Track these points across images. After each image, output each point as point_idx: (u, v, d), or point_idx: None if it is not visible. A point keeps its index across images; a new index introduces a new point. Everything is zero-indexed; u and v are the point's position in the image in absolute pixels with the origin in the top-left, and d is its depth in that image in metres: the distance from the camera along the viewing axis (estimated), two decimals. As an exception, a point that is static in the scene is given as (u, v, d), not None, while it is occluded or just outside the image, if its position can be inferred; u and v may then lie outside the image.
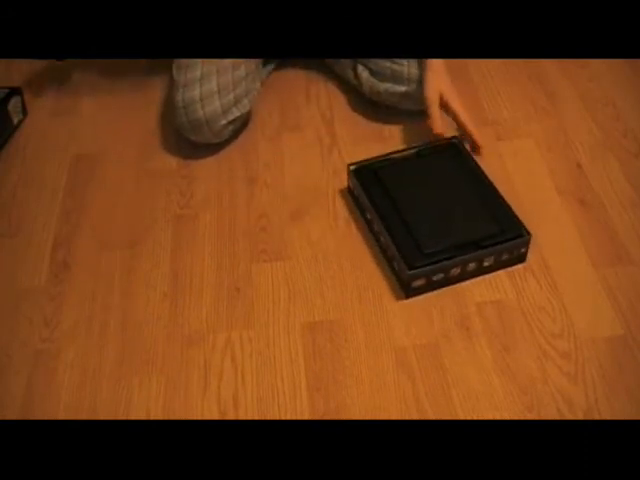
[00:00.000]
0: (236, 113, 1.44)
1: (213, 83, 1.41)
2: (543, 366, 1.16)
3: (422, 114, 1.42)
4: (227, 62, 1.42)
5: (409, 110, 1.51)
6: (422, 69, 1.43)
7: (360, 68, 1.52)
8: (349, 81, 1.58)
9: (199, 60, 1.41)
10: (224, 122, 1.43)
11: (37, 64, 1.69)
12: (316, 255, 1.31)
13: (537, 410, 1.11)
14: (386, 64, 1.47)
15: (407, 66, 1.46)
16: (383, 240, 1.29)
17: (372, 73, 1.51)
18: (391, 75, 1.48)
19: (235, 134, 1.50)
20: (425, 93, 1.41)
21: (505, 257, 1.27)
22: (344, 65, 1.57)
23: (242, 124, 1.51)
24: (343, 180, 1.42)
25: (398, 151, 1.41)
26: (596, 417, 1.09)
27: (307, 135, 1.52)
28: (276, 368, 1.17)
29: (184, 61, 1.42)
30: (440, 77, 1.42)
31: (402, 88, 1.47)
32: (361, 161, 1.39)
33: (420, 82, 1.45)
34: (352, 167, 1.38)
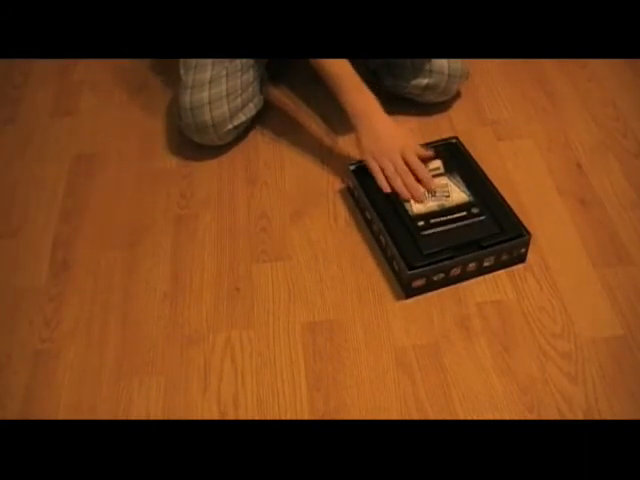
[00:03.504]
0: (242, 118, 1.44)
1: (222, 87, 1.39)
2: (543, 366, 1.16)
3: (434, 107, 1.40)
4: (237, 65, 1.40)
5: (428, 102, 1.52)
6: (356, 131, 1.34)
7: (377, 64, 1.51)
8: (364, 77, 1.56)
9: (209, 61, 1.39)
10: (230, 127, 1.43)
11: (38, 64, 1.69)
12: (316, 255, 1.31)
13: (537, 410, 1.11)
14: (406, 60, 1.46)
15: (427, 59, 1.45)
16: (383, 240, 1.29)
17: (391, 68, 1.49)
18: (412, 68, 1.46)
19: (238, 137, 1.50)
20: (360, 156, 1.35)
21: (505, 257, 1.27)
22: (356, 63, 1.55)
23: (245, 128, 1.50)
24: (343, 180, 1.42)
25: (398, 151, 1.41)
26: (596, 417, 1.09)
27: (307, 135, 1.52)
28: (276, 368, 1.17)
29: (192, 60, 1.41)
30: (376, 140, 1.32)
31: (425, 80, 1.47)
32: (361, 161, 1.38)
33: (443, 74, 1.45)
34: (352, 167, 1.38)
